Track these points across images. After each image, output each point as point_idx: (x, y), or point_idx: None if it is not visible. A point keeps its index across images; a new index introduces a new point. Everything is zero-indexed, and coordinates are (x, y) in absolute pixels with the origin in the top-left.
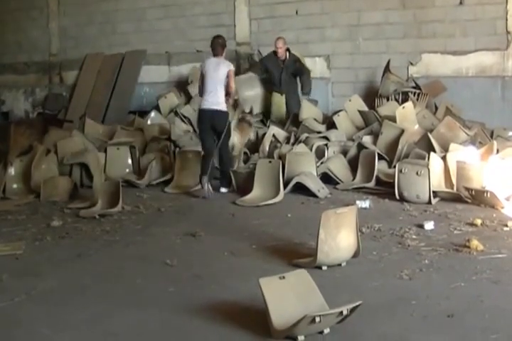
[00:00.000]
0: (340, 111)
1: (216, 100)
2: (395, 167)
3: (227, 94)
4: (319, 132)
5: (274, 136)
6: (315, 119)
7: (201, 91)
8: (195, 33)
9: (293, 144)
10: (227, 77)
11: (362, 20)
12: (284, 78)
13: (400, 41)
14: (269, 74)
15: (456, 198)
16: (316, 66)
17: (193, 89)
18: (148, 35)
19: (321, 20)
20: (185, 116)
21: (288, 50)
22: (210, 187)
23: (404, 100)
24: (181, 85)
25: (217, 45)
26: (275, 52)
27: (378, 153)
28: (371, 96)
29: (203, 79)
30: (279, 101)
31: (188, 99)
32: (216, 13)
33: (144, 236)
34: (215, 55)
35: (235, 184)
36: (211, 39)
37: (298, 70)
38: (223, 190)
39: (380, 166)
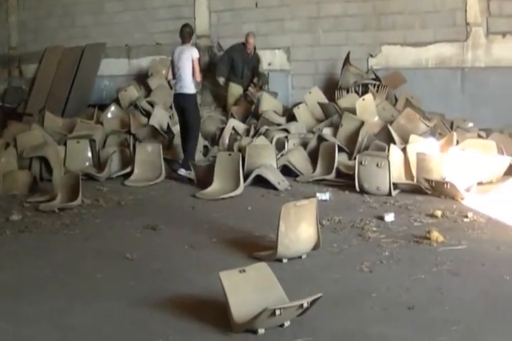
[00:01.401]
0: (300, 103)
1: (181, 84)
2: (355, 159)
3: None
4: (279, 124)
5: (234, 128)
6: (275, 112)
7: (170, 76)
8: (155, 26)
9: (253, 137)
10: (192, 62)
11: (321, 12)
12: (245, 72)
13: (360, 33)
14: (233, 65)
15: (417, 190)
16: (275, 58)
17: (153, 82)
18: (107, 28)
19: (281, 13)
20: (145, 110)
21: (255, 47)
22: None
23: (364, 92)
24: (141, 78)
25: (184, 33)
26: (244, 45)
27: (338, 145)
28: (331, 88)
29: (172, 66)
30: (237, 92)
31: (148, 92)
32: (176, 6)
33: (104, 229)
34: (182, 43)
35: (194, 177)
36: (180, 28)
37: (255, 70)
38: (182, 171)
39: (340, 158)
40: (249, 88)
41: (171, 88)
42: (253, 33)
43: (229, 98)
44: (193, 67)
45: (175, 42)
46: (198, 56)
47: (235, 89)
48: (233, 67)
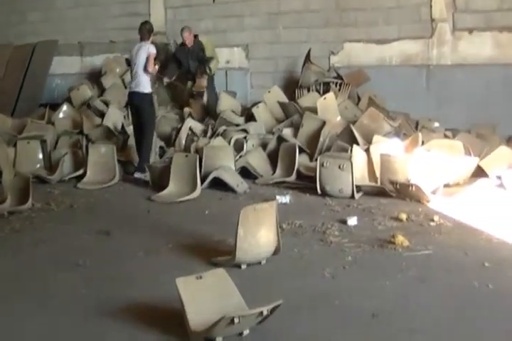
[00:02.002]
0: (259, 102)
1: (136, 83)
2: (316, 160)
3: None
4: (238, 125)
5: (190, 128)
6: (233, 111)
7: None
8: (109, 23)
9: (210, 137)
10: (148, 58)
11: (282, 7)
12: (191, 64)
13: (322, 30)
14: (180, 63)
15: (381, 192)
16: (234, 56)
17: (107, 81)
18: (59, 25)
19: (240, 9)
20: (98, 109)
21: (195, 36)
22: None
23: (326, 91)
24: (94, 77)
25: (143, 30)
26: (183, 43)
27: (299, 146)
28: (291, 87)
29: (130, 64)
30: (189, 87)
31: (102, 91)
32: (130, 2)
33: (55, 234)
34: (141, 40)
35: (150, 179)
36: (139, 25)
37: (201, 57)
38: (137, 174)
39: (300, 160)
40: (196, 79)
41: (126, 87)
42: (188, 27)
43: (184, 96)
44: (147, 61)
45: (129, 40)
46: (154, 52)
47: (187, 85)
48: (181, 65)
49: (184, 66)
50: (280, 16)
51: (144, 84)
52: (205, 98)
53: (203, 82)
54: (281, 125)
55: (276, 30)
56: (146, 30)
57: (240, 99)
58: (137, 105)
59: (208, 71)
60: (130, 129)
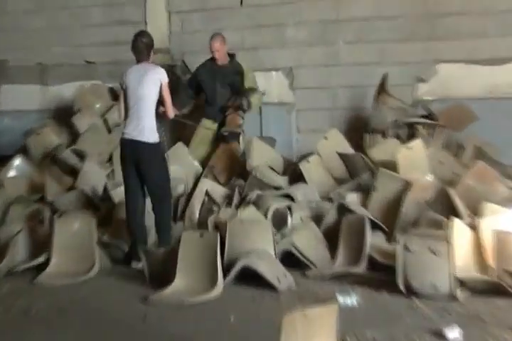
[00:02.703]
0: (310, 154)
1: (141, 127)
2: (396, 241)
3: (164, 115)
4: (278, 188)
5: (207, 193)
6: (271, 168)
7: (122, 114)
8: (85, 35)
9: (237, 207)
10: (160, 90)
11: (342, 13)
12: (219, 91)
13: (402, 45)
14: (201, 88)
15: (496, 289)
16: (271, 85)
17: (81, 122)
18: (10, 37)
19: (280, 14)
20: (68, 164)
21: (232, 55)
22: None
23: (410, 137)
24: (62, 115)
25: (139, 46)
26: (212, 58)
27: (370, 220)
28: (358, 131)
29: (125, 98)
30: (207, 132)
31: (74, 136)
32: (117, 4)
33: None
34: (138, 60)
35: (146, 270)
36: (132, 38)
37: (237, 84)
38: (136, 264)
39: (374, 240)
40: (228, 115)
41: (110, 131)
42: (220, 34)
43: (193, 140)
44: (163, 98)
45: (116, 61)
46: (167, 80)
47: (206, 125)
48: (201, 91)
49: (208, 93)
50: (339, 26)
51: (151, 131)
52: (241, 144)
53: (238, 118)
54: (343, 188)
55: (334, 46)
56: (143, 46)
57: (282, 149)
58: (140, 161)
59: (246, 106)
60: (118, 194)
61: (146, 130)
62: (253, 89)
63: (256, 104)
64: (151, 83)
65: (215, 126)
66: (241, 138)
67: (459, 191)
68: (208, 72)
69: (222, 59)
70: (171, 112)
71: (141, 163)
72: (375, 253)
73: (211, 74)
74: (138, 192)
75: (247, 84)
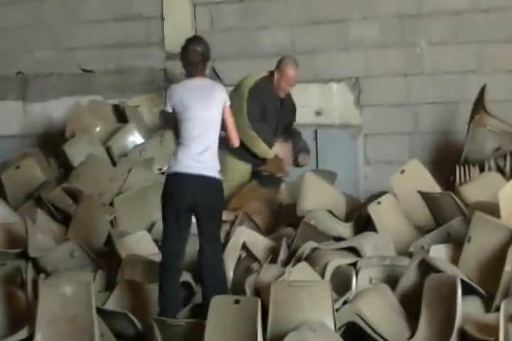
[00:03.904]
0: (382, 193)
1: (207, 158)
2: (497, 310)
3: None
4: (340, 238)
5: (245, 245)
6: (330, 212)
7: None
8: (80, 34)
9: (285, 264)
10: (223, 114)
11: (426, 5)
12: (279, 129)
13: (507, 46)
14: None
15: None
16: (331, 101)
17: (75, 150)
18: None
19: (342, 6)
20: (57, 207)
21: None
22: None
23: None
24: (50, 142)
25: (195, 58)
26: (271, 81)
27: (463, 281)
28: (447, 162)
29: (177, 122)
30: (244, 173)
31: (66, 171)
32: None
33: None
34: (191, 75)
35: None
36: (182, 45)
37: (290, 122)
38: None
39: (467, 308)
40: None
41: (115, 163)
42: (293, 58)
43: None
44: (226, 123)
45: (121, 68)
46: (229, 101)
47: (240, 169)
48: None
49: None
50: (422, 22)
51: (215, 163)
52: (282, 188)
53: (284, 162)
54: (426, 239)
55: (414, 48)
56: (199, 57)
57: (345, 186)
58: (205, 203)
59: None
60: (125, 247)
61: (213, 163)
62: (299, 132)
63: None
64: (218, 105)
65: (249, 169)
66: (282, 186)
67: None
68: (272, 104)
69: (285, 92)
70: (237, 139)
71: (200, 204)
72: (469, 326)
73: (274, 106)
74: (178, 249)
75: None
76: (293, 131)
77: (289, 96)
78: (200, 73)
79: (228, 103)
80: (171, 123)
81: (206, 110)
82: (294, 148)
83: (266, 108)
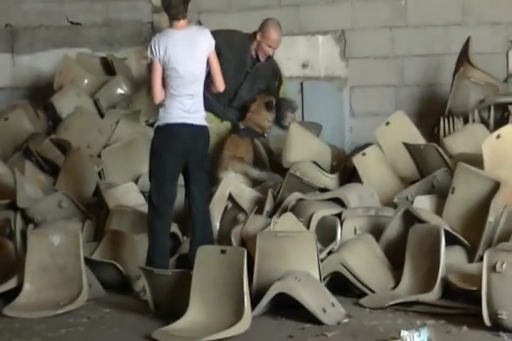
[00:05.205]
0: (367, 145)
1: (197, 107)
2: (480, 260)
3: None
4: (324, 189)
5: (231, 197)
6: (315, 164)
7: (158, 95)
8: None
9: (271, 215)
10: (209, 60)
11: None
12: (240, 95)
13: None
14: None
15: None
16: (318, 53)
17: (64, 102)
18: None
19: None
20: (45, 159)
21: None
22: None
23: (501, 122)
24: (39, 94)
25: (175, 0)
26: (251, 40)
27: (447, 232)
28: (431, 114)
29: (164, 75)
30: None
31: (54, 122)
32: None
33: None
34: (176, 18)
35: (150, 297)
36: None
37: (272, 89)
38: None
39: (450, 258)
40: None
41: (102, 115)
42: (278, 23)
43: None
44: (212, 70)
45: (109, 21)
46: (214, 45)
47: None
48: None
49: (227, 85)
50: None
51: (203, 111)
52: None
53: (264, 119)
54: (410, 190)
55: (399, 1)
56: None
57: (330, 138)
58: (197, 151)
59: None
60: (113, 197)
61: (201, 112)
62: (291, 101)
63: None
64: (203, 53)
65: (219, 124)
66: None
67: None
68: (238, 60)
69: (265, 55)
70: (222, 83)
71: (194, 154)
72: (452, 276)
73: (240, 63)
74: (174, 197)
75: (282, 92)
76: (282, 100)
77: (270, 62)
78: (183, 15)
79: (213, 47)
80: (154, 73)
81: (193, 63)
82: (279, 110)
83: (230, 63)
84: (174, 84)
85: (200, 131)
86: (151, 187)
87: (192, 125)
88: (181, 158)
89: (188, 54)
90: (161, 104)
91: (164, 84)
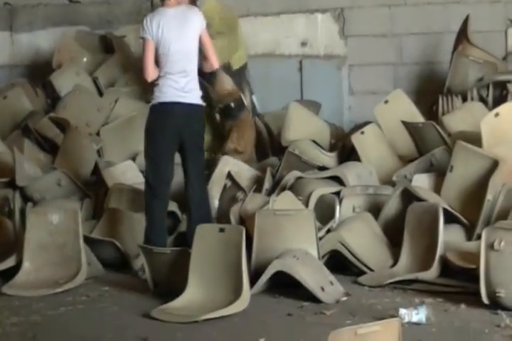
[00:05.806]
0: (366, 123)
1: (189, 87)
2: (478, 238)
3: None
4: (323, 168)
5: (230, 175)
6: (314, 142)
7: (151, 74)
8: None
9: (270, 193)
10: (201, 38)
11: None
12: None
13: None
14: None
15: None
16: (315, 32)
17: (63, 81)
18: None
19: None
20: (44, 137)
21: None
22: None
23: (500, 101)
24: (38, 72)
25: None
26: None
27: (445, 210)
28: (430, 92)
29: (157, 55)
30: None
31: (53, 101)
32: None
33: None
34: None
35: (149, 275)
36: None
37: None
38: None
39: (449, 236)
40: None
41: (101, 94)
42: None
43: None
44: (204, 47)
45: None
46: (205, 24)
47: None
48: None
49: None
50: None
51: (197, 89)
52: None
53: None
54: (409, 167)
55: None
56: None
57: (329, 116)
58: (192, 131)
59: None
60: (112, 176)
61: (196, 91)
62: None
63: (237, 63)
64: (194, 32)
65: None
66: (244, 101)
67: None
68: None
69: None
70: (216, 61)
71: (188, 133)
72: (450, 254)
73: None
74: (171, 176)
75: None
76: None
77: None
78: None
79: (204, 25)
80: (148, 52)
81: (185, 42)
82: None
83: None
84: (168, 62)
85: (195, 110)
86: (147, 167)
87: (186, 104)
88: (176, 137)
89: (180, 31)
90: (155, 84)
91: (158, 64)
